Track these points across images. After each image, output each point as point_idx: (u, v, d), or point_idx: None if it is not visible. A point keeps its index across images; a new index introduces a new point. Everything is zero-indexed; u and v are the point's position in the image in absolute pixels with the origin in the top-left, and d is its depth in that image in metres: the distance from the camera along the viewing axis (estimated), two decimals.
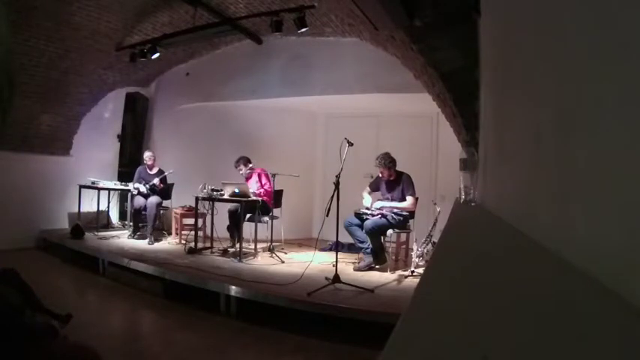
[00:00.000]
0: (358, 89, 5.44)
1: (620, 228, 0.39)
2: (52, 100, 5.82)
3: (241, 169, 5.28)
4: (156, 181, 5.69)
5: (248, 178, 5.32)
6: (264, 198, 5.03)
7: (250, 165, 5.31)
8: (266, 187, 5.15)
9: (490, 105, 1.65)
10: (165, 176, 5.85)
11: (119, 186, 6.11)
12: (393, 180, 4.54)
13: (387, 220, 4.29)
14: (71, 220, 6.16)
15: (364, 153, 4.81)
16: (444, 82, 3.32)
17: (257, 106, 6.36)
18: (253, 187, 5.18)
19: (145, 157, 5.97)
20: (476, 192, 1.89)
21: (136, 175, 5.90)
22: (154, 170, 5.89)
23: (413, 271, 4.10)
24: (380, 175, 4.60)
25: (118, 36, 5.70)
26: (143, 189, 5.65)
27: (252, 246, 5.01)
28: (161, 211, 5.93)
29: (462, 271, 0.75)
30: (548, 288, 0.51)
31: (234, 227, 5.10)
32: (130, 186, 5.82)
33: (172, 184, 6.15)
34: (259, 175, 5.25)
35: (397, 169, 4.57)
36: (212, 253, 5.00)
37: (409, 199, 4.41)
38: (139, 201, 5.62)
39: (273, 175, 5.10)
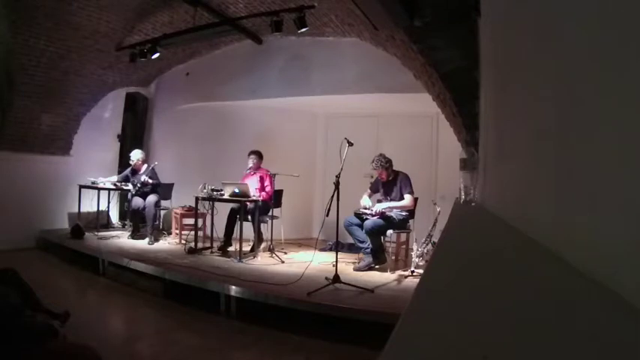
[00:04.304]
0: (358, 89, 5.43)
1: (620, 228, 0.39)
2: (52, 100, 5.81)
3: (251, 163, 5.24)
4: (143, 178, 5.56)
5: (251, 174, 5.26)
6: (264, 199, 5.03)
7: (260, 162, 5.28)
8: (267, 189, 5.13)
9: (490, 104, 1.65)
10: (152, 169, 5.70)
11: (118, 185, 6.07)
12: (391, 180, 4.54)
13: (387, 220, 4.29)
14: (71, 220, 6.16)
15: (364, 153, 4.81)
16: (443, 82, 3.32)
17: (257, 106, 6.36)
18: (253, 186, 5.16)
19: (131, 158, 5.84)
20: (476, 192, 1.89)
21: (124, 172, 5.90)
22: (142, 169, 5.79)
23: (413, 271, 4.10)
24: (379, 177, 4.60)
25: (118, 36, 5.70)
26: (133, 190, 5.58)
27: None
28: (160, 211, 5.92)
29: (462, 271, 0.75)
30: (548, 288, 0.51)
31: (232, 228, 5.07)
32: (115, 178, 5.86)
33: (172, 184, 6.15)
34: (261, 178, 5.20)
35: (396, 168, 4.58)
36: (212, 253, 5.00)
37: (407, 198, 4.40)
38: (137, 201, 5.59)
39: (274, 175, 5.10)
